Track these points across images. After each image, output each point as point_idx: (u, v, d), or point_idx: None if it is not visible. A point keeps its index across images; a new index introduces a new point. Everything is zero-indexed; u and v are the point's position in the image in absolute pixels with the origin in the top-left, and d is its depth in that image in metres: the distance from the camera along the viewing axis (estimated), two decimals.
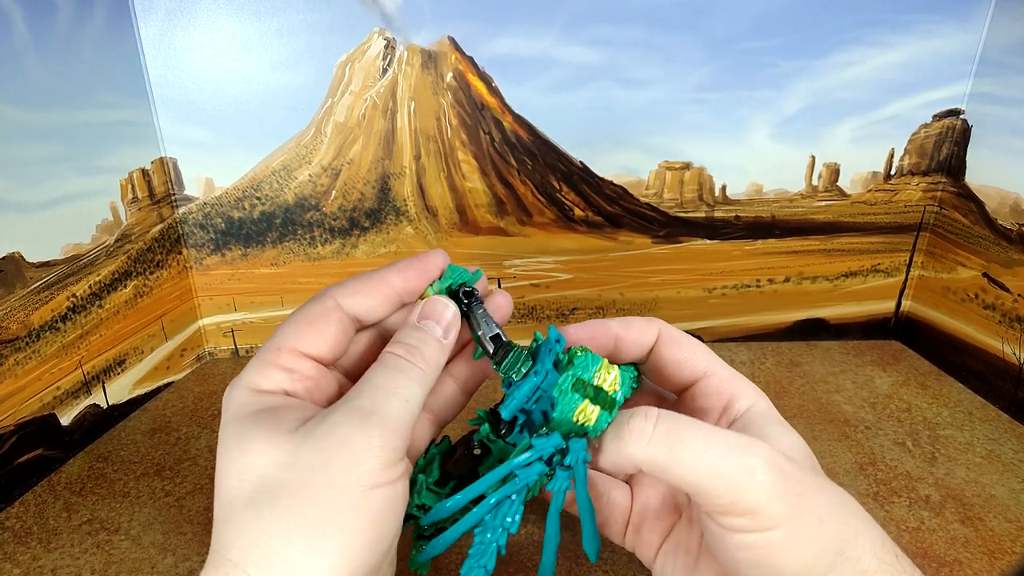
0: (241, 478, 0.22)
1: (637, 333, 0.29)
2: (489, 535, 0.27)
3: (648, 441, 0.24)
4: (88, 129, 0.46)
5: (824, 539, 0.22)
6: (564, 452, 0.26)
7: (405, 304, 0.29)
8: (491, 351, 0.28)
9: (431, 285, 0.29)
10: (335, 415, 0.23)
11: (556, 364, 0.27)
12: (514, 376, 0.27)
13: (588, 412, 0.26)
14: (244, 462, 0.22)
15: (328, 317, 0.26)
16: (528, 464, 0.26)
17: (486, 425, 0.30)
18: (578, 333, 0.29)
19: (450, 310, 0.27)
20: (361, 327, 0.28)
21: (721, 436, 0.24)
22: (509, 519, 0.27)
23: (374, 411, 0.23)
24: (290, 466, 0.22)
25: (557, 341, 0.27)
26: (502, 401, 0.28)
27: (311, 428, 0.23)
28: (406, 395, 0.24)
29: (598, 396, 0.26)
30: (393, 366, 0.25)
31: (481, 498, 0.27)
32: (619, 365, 0.29)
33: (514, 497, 0.27)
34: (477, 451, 0.30)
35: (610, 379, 0.26)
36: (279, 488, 0.22)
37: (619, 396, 0.26)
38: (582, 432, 0.26)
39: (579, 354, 0.27)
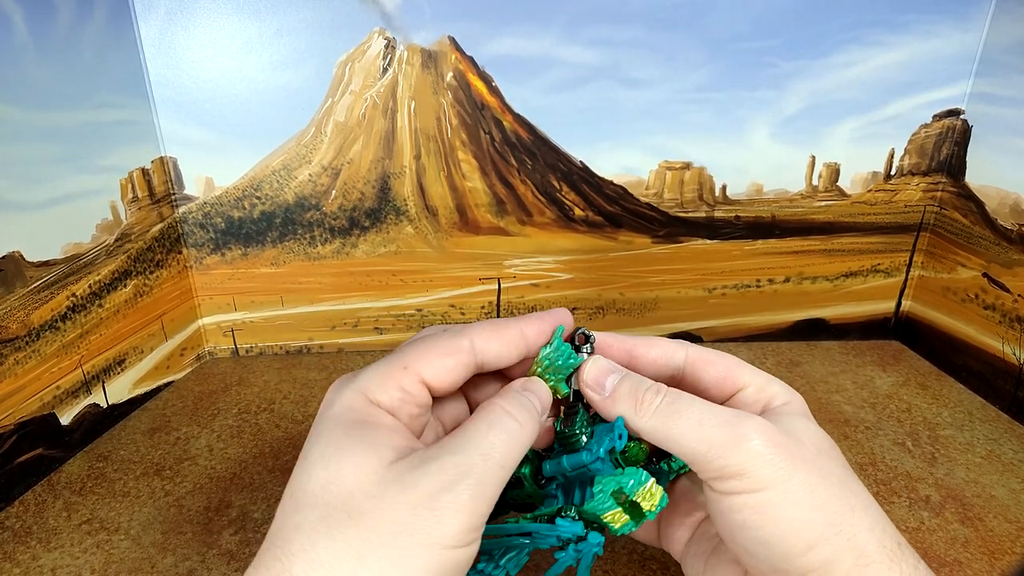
0: (325, 488, 0.22)
1: (670, 352, 0.31)
2: (490, 569, 0.28)
3: (652, 412, 0.26)
4: (88, 129, 0.46)
5: (815, 507, 0.23)
6: (581, 540, 0.27)
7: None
8: (570, 400, 0.30)
9: (543, 352, 0.30)
10: (432, 464, 0.23)
11: (611, 450, 0.28)
12: (568, 444, 0.29)
13: (617, 517, 0.27)
14: (336, 472, 0.22)
15: (459, 355, 0.27)
16: (543, 534, 0.28)
17: (528, 467, 0.31)
18: (614, 344, 0.30)
19: (548, 396, 0.28)
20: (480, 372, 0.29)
21: (717, 410, 0.25)
22: (512, 564, 0.28)
23: (470, 473, 0.23)
24: (375, 498, 0.22)
25: (620, 437, 0.28)
26: (550, 452, 0.30)
27: (406, 468, 0.23)
28: (504, 463, 0.24)
29: (632, 509, 0.27)
30: (505, 430, 0.25)
31: (493, 537, 0.29)
32: (669, 459, 0.30)
33: (523, 547, 0.28)
34: (511, 478, 0.31)
35: (651, 498, 0.27)
36: (360, 516, 0.21)
37: (651, 514, 0.27)
38: (603, 527, 0.28)
39: (633, 466, 0.28)
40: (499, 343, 0.28)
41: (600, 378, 0.28)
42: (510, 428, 0.25)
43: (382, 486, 0.22)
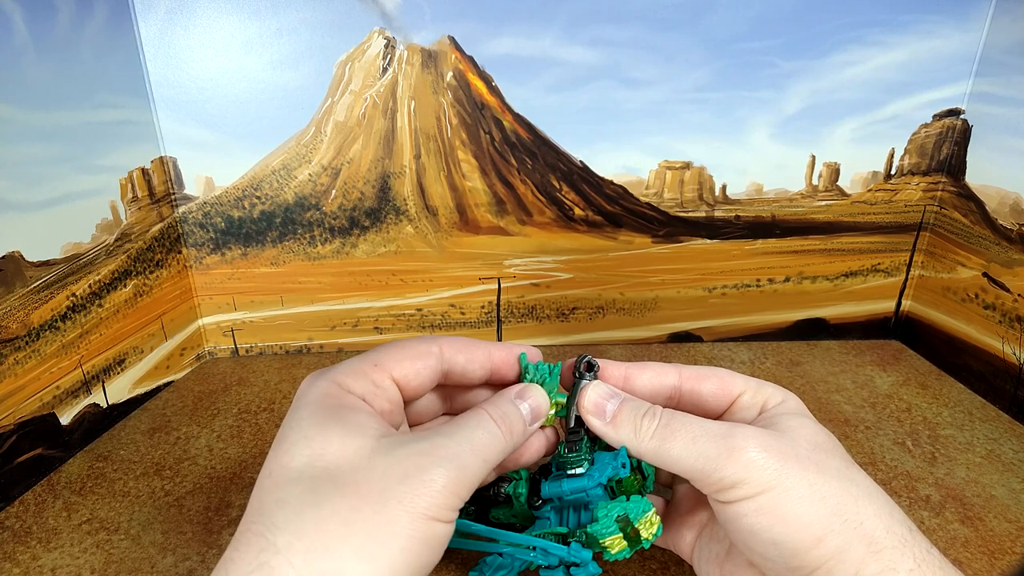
0: (310, 464, 0.23)
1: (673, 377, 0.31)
2: None
3: (650, 436, 0.27)
4: (88, 129, 0.46)
5: (816, 501, 0.24)
6: (575, 565, 0.29)
7: (492, 381, 0.31)
8: (571, 425, 0.30)
9: (528, 371, 0.31)
10: (423, 443, 0.24)
11: (609, 479, 0.29)
12: (569, 468, 0.30)
13: (616, 543, 0.28)
14: (321, 446, 0.23)
15: (428, 358, 0.29)
16: (548, 552, 0.29)
17: (523, 485, 0.32)
18: (610, 368, 0.31)
19: (546, 404, 0.29)
20: (446, 384, 0.31)
21: (709, 425, 0.26)
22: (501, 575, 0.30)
23: (457, 459, 0.24)
24: (365, 470, 0.23)
25: (624, 465, 0.29)
26: (548, 474, 0.31)
27: (395, 444, 0.24)
28: (487, 458, 0.25)
29: (631, 536, 0.28)
30: (488, 430, 0.26)
31: (491, 540, 0.30)
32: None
33: (515, 564, 0.30)
34: (500, 498, 0.32)
35: (650, 527, 0.28)
36: (348, 486, 0.22)
37: (647, 543, 0.28)
38: (600, 550, 0.29)
39: (637, 494, 0.29)
40: (465, 356, 0.30)
41: (600, 403, 0.29)
42: (496, 432, 0.26)
43: (371, 460, 0.23)
